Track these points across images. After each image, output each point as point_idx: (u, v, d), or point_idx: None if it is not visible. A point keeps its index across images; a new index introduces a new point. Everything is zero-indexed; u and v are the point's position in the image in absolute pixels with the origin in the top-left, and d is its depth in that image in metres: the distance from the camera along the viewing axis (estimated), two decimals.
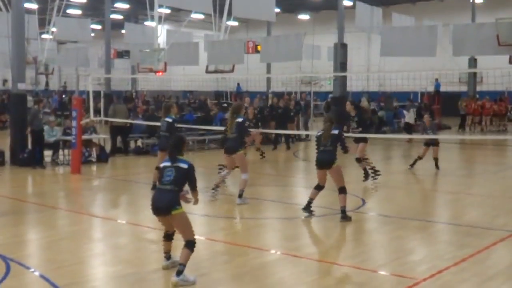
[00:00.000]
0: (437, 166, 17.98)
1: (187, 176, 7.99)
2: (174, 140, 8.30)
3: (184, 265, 7.70)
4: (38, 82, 46.47)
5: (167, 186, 7.90)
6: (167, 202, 7.83)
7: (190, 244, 7.84)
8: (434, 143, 18.05)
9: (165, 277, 8.09)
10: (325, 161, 11.49)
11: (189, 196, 8.21)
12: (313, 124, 31.84)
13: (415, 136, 23.95)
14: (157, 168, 13.52)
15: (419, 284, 7.81)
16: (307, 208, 11.59)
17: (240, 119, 13.14)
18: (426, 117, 18.60)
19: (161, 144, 14.36)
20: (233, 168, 13.80)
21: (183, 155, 8.17)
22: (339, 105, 27.67)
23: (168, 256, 8.38)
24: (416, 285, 7.77)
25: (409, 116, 28.94)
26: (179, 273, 7.67)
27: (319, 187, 11.62)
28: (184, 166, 7.97)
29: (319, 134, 11.72)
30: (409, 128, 28.66)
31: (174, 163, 7.97)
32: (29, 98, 23.66)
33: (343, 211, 11.37)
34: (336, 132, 11.58)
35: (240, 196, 12.96)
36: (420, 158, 18.03)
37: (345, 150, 11.83)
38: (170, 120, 14.15)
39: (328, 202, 12.51)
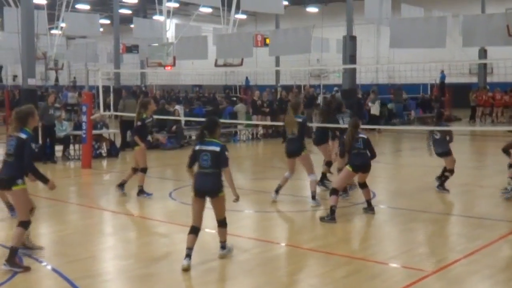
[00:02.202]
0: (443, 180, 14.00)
1: (219, 157, 8.34)
2: (207, 122, 8.70)
3: (225, 241, 8.66)
4: (48, 77, 46.61)
5: (207, 170, 8.35)
6: (212, 185, 8.36)
7: (222, 222, 8.61)
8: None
9: (176, 271, 8.11)
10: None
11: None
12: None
13: (382, 127, 24.06)
14: (133, 169, 13.50)
15: (430, 276, 7.80)
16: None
17: (300, 119, 12.44)
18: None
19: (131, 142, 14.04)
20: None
21: (217, 138, 8.54)
22: (350, 98, 27.63)
23: (190, 254, 8.23)
24: (427, 277, 7.77)
25: (375, 108, 29.03)
26: (223, 248, 8.64)
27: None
28: (217, 148, 8.37)
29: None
30: (375, 120, 29.03)
31: (206, 147, 8.37)
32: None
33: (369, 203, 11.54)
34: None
35: (313, 197, 12.42)
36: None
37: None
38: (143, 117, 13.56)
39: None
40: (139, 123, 13.47)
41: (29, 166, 8.28)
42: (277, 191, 12.67)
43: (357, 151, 11.21)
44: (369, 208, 11.44)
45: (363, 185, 11.48)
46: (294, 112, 12.45)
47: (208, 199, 8.49)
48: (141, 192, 13.30)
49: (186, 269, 8.06)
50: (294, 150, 12.43)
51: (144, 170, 13.39)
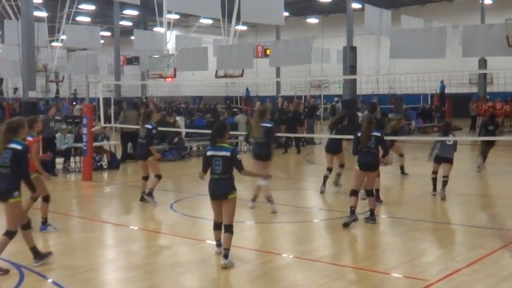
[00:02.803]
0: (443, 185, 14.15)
1: (232, 162, 8.78)
2: (217, 126, 9.12)
3: (229, 249, 8.71)
4: (48, 90, 46.66)
5: (217, 175, 8.81)
6: (224, 190, 8.78)
7: (230, 228, 8.77)
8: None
9: (178, 282, 8.11)
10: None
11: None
12: (323, 127, 31.78)
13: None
14: (143, 178, 13.82)
15: (432, 285, 7.80)
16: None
17: (267, 124, 12.74)
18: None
19: (138, 152, 14.24)
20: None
21: (226, 142, 8.95)
22: (350, 109, 27.69)
23: (220, 244, 9.01)
24: (429, 286, 7.77)
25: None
26: (226, 257, 8.65)
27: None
28: (228, 153, 8.78)
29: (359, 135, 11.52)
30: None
31: (218, 152, 8.78)
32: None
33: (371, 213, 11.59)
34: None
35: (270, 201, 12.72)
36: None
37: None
38: (150, 126, 13.77)
39: (339, 205, 12.52)
40: (154, 131, 13.76)
41: (25, 175, 8.49)
42: (253, 200, 13.07)
43: (368, 149, 11.32)
44: (371, 218, 11.42)
45: (370, 193, 11.50)
46: (260, 117, 12.71)
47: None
48: (149, 194, 13.52)
49: (219, 254, 8.87)
50: (262, 154, 12.70)
51: (160, 177, 13.72)
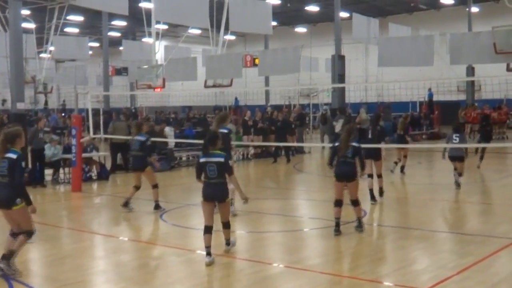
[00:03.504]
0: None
1: (225, 167, 9.50)
2: (209, 136, 9.83)
3: (229, 239, 9.95)
4: (37, 101, 46.53)
5: (214, 180, 9.43)
6: (220, 193, 9.47)
7: (227, 224, 9.75)
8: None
9: None
10: None
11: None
12: (312, 136, 31.83)
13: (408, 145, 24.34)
14: (135, 187, 14.06)
15: None
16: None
17: (224, 131, 12.60)
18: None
19: (134, 164, 14.48)
20: None
21: (218, 149, 9.61)
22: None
23: (209, 252, 9.30)
24: None
25: (338, 126, 29.36)
26: (228, 244, 9.94)
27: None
28: (221, 159, 9.47)
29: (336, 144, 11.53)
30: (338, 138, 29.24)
31: (211, 159, 9.44)
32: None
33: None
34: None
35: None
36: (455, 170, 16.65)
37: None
38: (143, 138, 14.02)
39: (329, 214, 12.51)
40: (148, 142, 14.05)
41: (19, 184, 8.64)
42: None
43: (344, 159, 11.21)
44: (359, 226, 11.38)
45: (355, 203, 11.35)
46: (219, 124, 12.74)
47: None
48: (157, 206, 13.97)
49: (209, 265, 9.12)
50: None
51: (157, 186, 14.09)
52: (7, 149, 8.65)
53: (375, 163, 14.96)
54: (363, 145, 14.27)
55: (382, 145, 15.02)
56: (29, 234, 8.82)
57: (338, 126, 29.40)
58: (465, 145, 17.47)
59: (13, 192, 8.59)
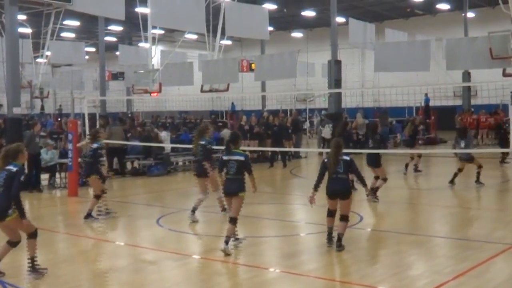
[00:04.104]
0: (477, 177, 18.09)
1: (245, 166, 10.40)
2: (231, 136, 10.99)
3: (230, 236, 10.31)
4: (33, 106, 46.49)
5: (233, 176, 10.36)
6: (235, 188, 10.34)
7: (233, 219, 10.33)
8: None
9: None
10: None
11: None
12: (308, 141, 31.83)
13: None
14: (96, 196, 13.92)
15: None
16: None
17: (203, 142, 13.19)
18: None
19: (84, 170, 14.69)
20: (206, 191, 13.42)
21: (239, 149, 10.61)
22: (335, 122, 27.76)
23: (227, 241, 10.13)
24: None
25: (325, 132, 29.51)
26: (227, 242, 10.15)
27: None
28: (242, 158, 10.43)
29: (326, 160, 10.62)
30: (326, 142, 29.54)
31: (232, 156, 10.42)
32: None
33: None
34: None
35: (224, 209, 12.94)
36: (459, 171, 18.23)
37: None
38: (97, 146, 13.97)
39: (325, 219, 12.50)
40: (100, 151, 14.14)
41: (15, 196, 8.56)
42: (193, 211, 13.19)
43: (336, 175, 10.37)
44: (337, 245, 10.31)
45: (344, 218, 10.46)
46: (200, 135, 13.30)
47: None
48: (88, 216, 13.72)
49: (227, 254, 9.98)
50: (198, 171, 13.40)
51: (98, 197, 13.90)
52: (8, 163, 8.79)
53: (375, 170, 15.36)
54: (363, 150, 14.44)
55: (386, 150, 15.42)
56: (34, 235, 8.97)
57: (325, 131, 29.54)
58: (471, 150, 18.20)
59: (7, 203, 8.58)
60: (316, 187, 10.39)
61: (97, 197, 13.87)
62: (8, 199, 8.57)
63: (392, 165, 23.91)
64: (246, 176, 10.49)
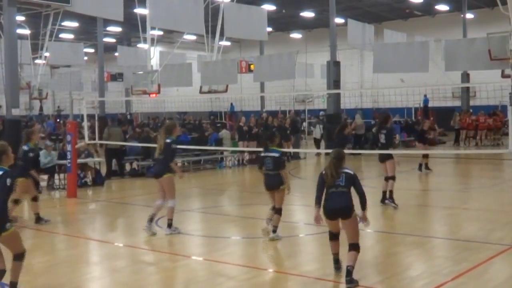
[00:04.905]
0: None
1: (279, 161, 11.22)
2: (268, 134, 12.30)
3: (277, 227, 11.33)
4: (32, 107, 46.53)
5: (270, 171, 11.25)
6: (274, 182, 11.29)
7: (278, 210, 11.35)
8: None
9: None
10: None
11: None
12: (307, 142, 31.86)
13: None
14: (33, 198, 13.56)
15: None
16: None
17: (168, 140, 12.25)
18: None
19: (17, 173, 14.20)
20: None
21: (275, 146, 11.52)
22: (334, 123, 27.79)
23: (275, 230, 11.35)
24: None
25: (316, 132, 29.59)
26: (274, 232, 11.28)
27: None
28: (276, 154, 11.29)
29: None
30: (317, 143, 30.93)
31: (269, 153, 11.31)
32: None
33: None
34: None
35: (170, 225, 12.13)
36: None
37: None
38: (26, 148, 13.54)
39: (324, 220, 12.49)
40: (30, 154, 13.58)
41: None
42: (151, 220, 12.18)
43: (335, 189, 8.64)
44: (348, 280, 8.38)
45: (353, 247, 8.66)
46: (166, 133, 12.33)
47: None
48: (38, 220, 13.50)
49: (273, 240, 11.12)
50: (158, 171, 12.33)
51: (36, 199, 13.58)
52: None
53: (387, 163, 14.95)
54: (372, 151, 14.32)
55: (392, 151, 15.15)
56: (20, 257, 7.79)
57: (315, 132, 29.61)
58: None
59: (3, 215, 7.44)
60: (317, 202, 8.81)
61: (34, 199, 13.47)
62: (4, 211, 7.46)
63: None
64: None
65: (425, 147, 22.06)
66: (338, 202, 8.58)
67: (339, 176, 8.63)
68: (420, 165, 21.81)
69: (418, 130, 23.59)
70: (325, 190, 8.77)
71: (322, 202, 8.74)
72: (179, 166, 24.69)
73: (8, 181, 7.44)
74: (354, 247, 8.58)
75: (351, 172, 8.72)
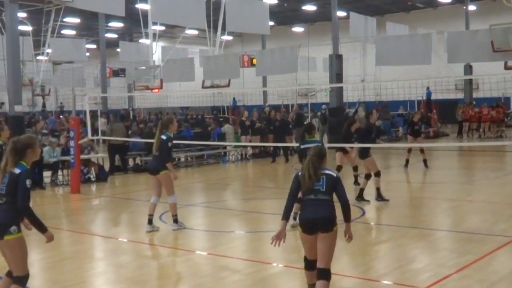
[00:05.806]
0: None
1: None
2: (306, 126, 12.18)
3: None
4: (34, 103, 46.54)
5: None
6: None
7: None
8: None
9: None
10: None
11: None
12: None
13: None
14: None
15: None
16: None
17: (163, 137, 11.88)
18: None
19: None
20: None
21: (314, 137, 11.81)
22: (337, 116, 27.78)
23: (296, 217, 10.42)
24: None
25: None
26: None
27: None
28: (317, 144, 8.24)
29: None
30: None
31: (309, 145, 10.21)
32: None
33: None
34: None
35: (175, 221, 12.03)
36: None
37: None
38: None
39: None
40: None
41: (22, 207, 6.54)
42: (150, 222, 12.00)
43: (314, 196, 7.07)
44: None
45: (323, 274, 7.19)
46: (162, 128, 12.00)
47: None
48: None
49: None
50: (154, 167, 12.05)
51: None
52: (15, 162, 6.61)
53: (364, 162, 14.58)
54: (363, 144, 14.22)
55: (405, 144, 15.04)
56: (22, 281, 6.66)
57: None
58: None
59: (9, 217, 6.49)
60: (286, 213, 7.42)
61: None
62: (12, 213, 6.55)
63: (393, 159, 23.94)
64: None
65: (416, 140, 20.97)
66: (317, 212, 7.00)
67: (318, 178, 7.06)
68: (407, 161, 20.51)
69: (408, 122, 22.63)
70: (301, 196, 7.29)
71: (299, 211, 7.47)
72: (182, 161, 24.78)
73: (28, 182, 6.54)
74: (326, 274, 7.10)
75: (334, 175, 7.15)
